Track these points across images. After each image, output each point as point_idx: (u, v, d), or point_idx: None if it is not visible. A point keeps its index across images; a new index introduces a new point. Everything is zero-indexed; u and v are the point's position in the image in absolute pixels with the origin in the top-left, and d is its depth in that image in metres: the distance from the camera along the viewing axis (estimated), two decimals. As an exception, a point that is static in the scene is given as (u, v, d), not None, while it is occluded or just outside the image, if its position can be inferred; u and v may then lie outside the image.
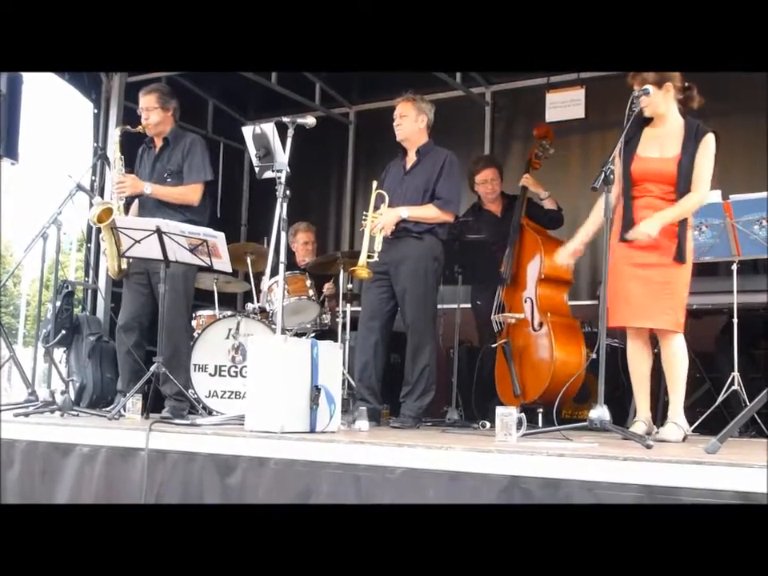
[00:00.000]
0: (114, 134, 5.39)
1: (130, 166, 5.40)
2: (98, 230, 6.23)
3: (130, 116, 6.51)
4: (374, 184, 5.21)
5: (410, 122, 5.23)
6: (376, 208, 5.11)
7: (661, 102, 4.13)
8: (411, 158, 5.29)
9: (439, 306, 5.36)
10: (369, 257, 4.96)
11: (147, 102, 5.37)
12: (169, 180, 5.32)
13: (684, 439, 4.04)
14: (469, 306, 6.18)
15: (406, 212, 5.07)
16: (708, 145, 4.12)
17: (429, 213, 5.10)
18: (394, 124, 5.26)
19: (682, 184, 4.09)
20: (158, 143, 5.43)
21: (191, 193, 5.29)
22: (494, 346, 5.78)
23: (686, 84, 4.21)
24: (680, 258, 4.06)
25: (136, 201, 5.40)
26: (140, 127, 5.38)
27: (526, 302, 5.69)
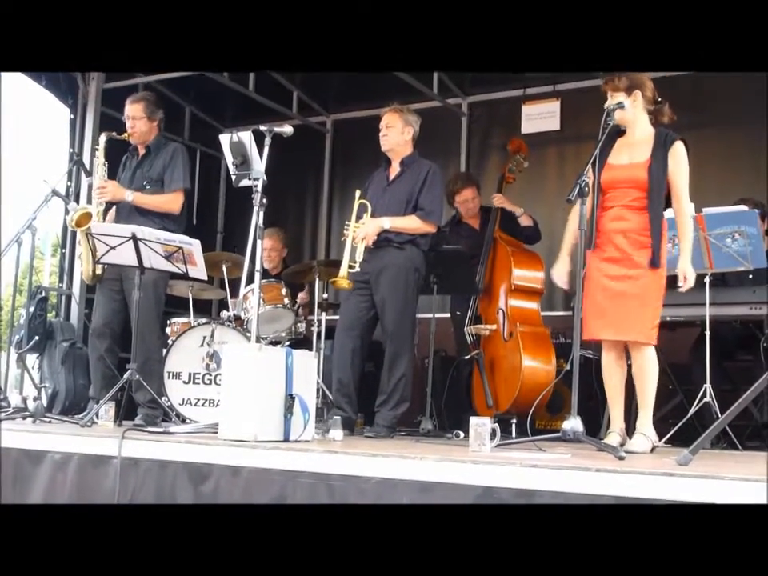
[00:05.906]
0: (100, 140, 5.32)
1: (112, 172, 5.37)
2: (73, 236, 6.21)
3: (106, 122, 6.49)
4: (357, 193, 5.22)
5: (396, 133, 5.23)
6: (359, 218, 5.11)
7: (628, 109, 4.15)
8: (395, 169, 5.30)
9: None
10: (350, 267, 4.96)
11: (134, 111, 5.33)
12: (148, 188, 5.29)
13: (652, 450, 4.06)
14: (447, 315, 6.19)
15: (388, 222, 5.07)
16: (679, 154, 4.15)
17: (411, 223, 5.11)
18: (380, 134, 5.27)
19: (654, 189, 4.10)
20: (141, 151, 5.41)
21: (172, 201, 5.27)
22: (466, 358, 5.81)
23: (659, 99, 4.25)
24: (654, 263, 4.06)
25: (113, 208, 5.37)
26: (125, 135, 5.34)
27: (498, 313, 5.74)
